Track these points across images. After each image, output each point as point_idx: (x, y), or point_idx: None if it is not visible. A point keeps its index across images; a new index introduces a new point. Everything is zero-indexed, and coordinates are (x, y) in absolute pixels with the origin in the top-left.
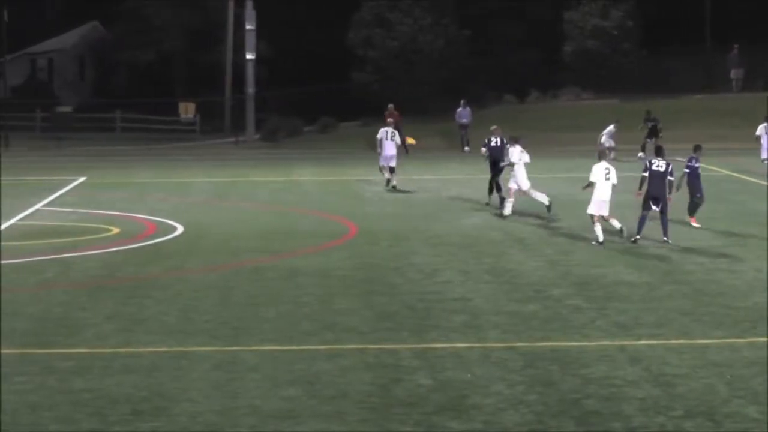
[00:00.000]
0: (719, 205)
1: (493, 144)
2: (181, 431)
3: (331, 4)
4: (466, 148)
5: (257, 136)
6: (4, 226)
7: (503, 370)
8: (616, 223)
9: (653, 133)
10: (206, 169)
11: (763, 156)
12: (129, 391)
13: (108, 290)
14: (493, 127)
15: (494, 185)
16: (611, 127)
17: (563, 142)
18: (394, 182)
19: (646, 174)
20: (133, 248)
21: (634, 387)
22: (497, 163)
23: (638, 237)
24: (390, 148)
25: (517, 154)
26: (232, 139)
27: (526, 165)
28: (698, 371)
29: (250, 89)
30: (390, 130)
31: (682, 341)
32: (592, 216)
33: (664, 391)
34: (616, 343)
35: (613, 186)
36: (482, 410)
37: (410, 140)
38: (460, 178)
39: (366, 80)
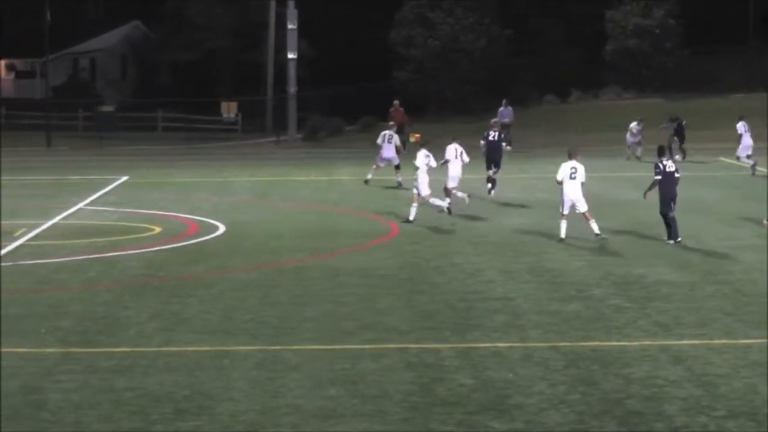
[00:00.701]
0: (761, 204)
1: (490, 138)
2: (222, 430)
3: (373, 4)
4: (508, 147)
5: (299, 136)
6: (47, 225)
7: (545, 370)
8: (594, 227)
9: (678, 133)
10: (248, 168)
11: (740, 153)
12: (171, 390)
13: (150, 289)
14: (494, 120)
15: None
16: (634, 124)
17: (605, 141)
18: (399, 179)
19: (659, 177)
20: (175, 247)
21: (676, 387)
22: (492, 157)
23: (679, 239)
24: (388, 150)
25: (421, 159)
26: (274, 139)
27: (431, 170)
28: (740, 371)
29: (292, 88)
30: (388, 133)
31: (724, 341)
32: (561, 214)
33: (706, 391)
34: (658, 342)
35: (582, 184)
36: (524, 410)
37: (415, 137)
38: (501, 177)
39: (407, 79)
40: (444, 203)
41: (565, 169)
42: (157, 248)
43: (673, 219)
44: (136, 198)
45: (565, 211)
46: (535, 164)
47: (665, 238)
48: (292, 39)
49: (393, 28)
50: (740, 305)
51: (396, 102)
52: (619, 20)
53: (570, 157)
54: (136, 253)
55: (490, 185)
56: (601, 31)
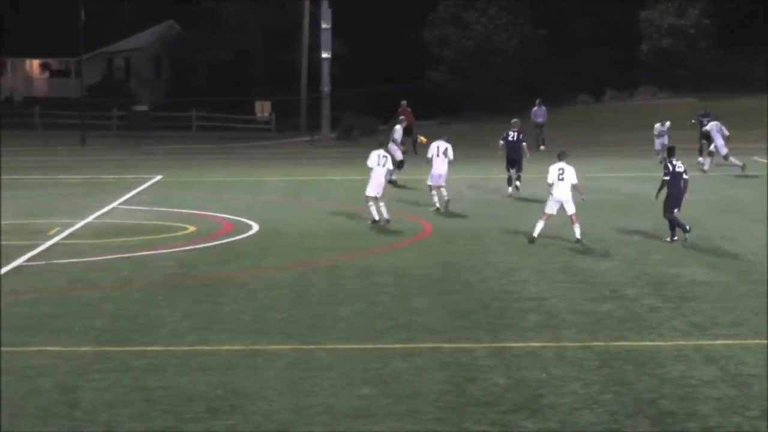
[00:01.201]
0: None
1: (510, 138)
2: (255, 429)
3: (407, 3)
4: (542, 147)
5: (332, 135)
6: (81, 224)
7: (579, 370)
8: (577, 231)
9: (706, 136)
10: (281, 167)
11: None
12: (204, 389)
13: (184, 288)
14: (514, 120)
15: (511, 178)
16: (659, 126)
17: (638, 141)
18: (394, 177)
19: (668, 177)
20: (208, 247)
21: (710, 387)
22: (511, 157)
23: (687, 236)
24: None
25: (374, 159)
26: (308, 138)
27: (389, 171)
28: None
29: (326, 88)
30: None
31: (758, 341)
32: (543, 213)
33: (740, 391)
34: (692, 342)
35: (573, 186)
36: (557, 410)
37: (422, 139)
38: (534, 177)
39: (441, 79)
40: (375, 216)
41: (553, 171)
42: (191, 247)
43: (673, 218)
44: (170, 197)
45: (548, 211)
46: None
47: (667, 239)
48: (326, 38)
49: (427, 27)
50: None
51: (404, 102)
52: (653, 20)
53: (559, 158)
54: (169, 252)
55: (510, 187)
56: (635, 30)
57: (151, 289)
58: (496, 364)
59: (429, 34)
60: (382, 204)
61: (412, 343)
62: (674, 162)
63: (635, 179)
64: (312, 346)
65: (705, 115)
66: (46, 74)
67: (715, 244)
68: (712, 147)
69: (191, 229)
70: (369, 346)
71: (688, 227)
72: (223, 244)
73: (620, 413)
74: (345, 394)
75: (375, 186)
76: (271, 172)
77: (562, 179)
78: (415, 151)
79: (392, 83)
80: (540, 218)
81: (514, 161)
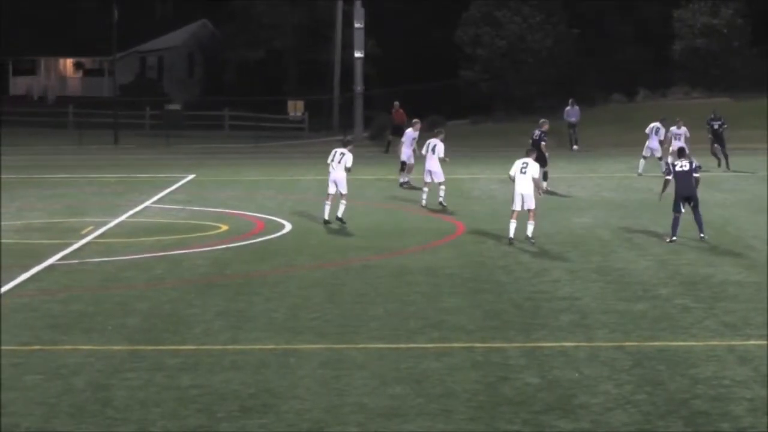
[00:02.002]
0: None
1: (534, 137)
2: (288, 428)
3: (440, 3)
4: (575, 147)
5: (365, 134)
6: (114, 222)
7: (611, 370)
8: (530, 229)
9: (717, 138)
10: (314, 166)
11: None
12: (237, 388)
13: (217, 287)
14: (542, 120)
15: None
16: (674, 128)
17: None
18: (403, 179)
19: (670, 177)
20: (241, 245)
21: (742, 387)
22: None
23: (674, 238)
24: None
25: (330, 157)
26: (341, 137)
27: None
28: None
29: (359, 87)
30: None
31: None
32: (512, 211)
33: None
34: (725, 343)
35: (534, 179)
36: (590, 410)
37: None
38: (568, 176)
39: (474, 78)
40: (325, 215)
41: (516, 164)
42: (224, 246)
43: (675, 219)
44: (203, 196)
45: (515, 207)
46: (602, 163)
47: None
48: (358, 38)
49: (459, 27)
50: None
51: (396, 103)
52: (687, 19)
53: (526, 154)
54: (202, 251)
55: None
56: (669, 30)
57: (184, 288)
58: (528, 363)
59: (462, 34)
60: (342, 202)
61: (444, 343)
62: (676, 162)
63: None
64: (344, 346)
65: (716, 119)
66: (80, 73)
67: (748, 244)
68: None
69: (224, 228)
70: (401, 345)
71: (674, 238)
72: (256, 243)
73: (653, 413)
74: (377, 393)
75: (330, 183)
76: (304, 171)
77: (524, 173)
78: (387, 150)
79: (425, 83)
80: (511, 217)
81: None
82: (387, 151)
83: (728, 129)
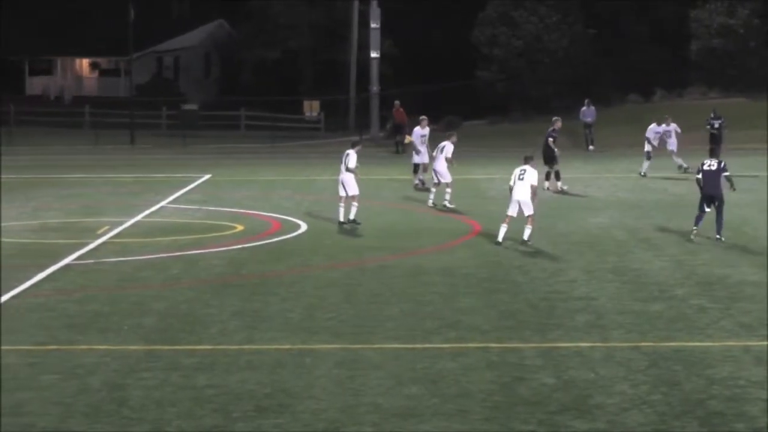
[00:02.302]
0: None
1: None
2: (303, 428)
3: (456, 3)
4: (591, 147)
5: (381, 134)
6: (130, 222)
7: (627, 370)
8: (527, 233)
9: (714, 139)
10: (330, 166)
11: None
12: (252, 388)
13: (233, 287)
14: (555, 118)
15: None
16: (653, 126)
17: (688, 141)
18: (416, 181)
19: (700, 176)
20: (257, 245)
21: (758, 388)
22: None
23: (695, 228)
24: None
25: (343, 158)
26: (357, 138)
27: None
28: None
29: (374, 87)
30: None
31: None
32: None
33: None
34: (741, 343)
35: (532, 186)
36: (606, 410)
37: (409, 138)
38: (584, 177)
39: (491, 79)
40: (340, 216)
41: (515, 172)
42: (240, 246)
43: (698, 217)
44: (219, 196)
45: (510, 212)
46: (618, 164)
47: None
48: (375, 38)
49: (476, 27)
50: None
51: (396, 102)
52: (703, 19)
53: (525, 161)
54: (218, 251)
55: (547, 182)
56: (685, 30)
57: (200, 288)
58: (544, 364)
59: (478, 34)
60: (353, 204)
61: (460, 343)
62: (705, 161)
63: (684, 180)
64: (360, 346)
65: (716, 118)
66: (96, 73)
67: (764, 244)
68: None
69: (240, 228)
70: (417, 345)
71: (695, 228)
72: (271, 243)
73: (668, 414)
74: (393, 393)
75: (339, 185)
76: (320, 171)
77: (522, 179)
78: (397, 150)
79: (441, 83)
80: (503, 221)
81: (546, 157)
82: (398, 152)
83: (727, 129)
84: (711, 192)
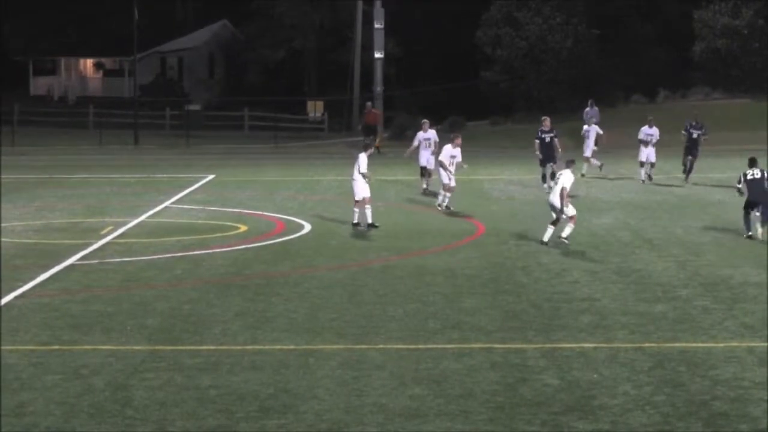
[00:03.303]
0: None
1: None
2: (307, 429)
3: (460, 3)
4: (595, 148)
5: (385, 135)
6: (134, 223)
7: (631, 371)
8: (566, 230)
9: (693, 147)
10: (334, 167)
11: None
12: (256, 388)
13: (237, 288)
14: (543, 117)
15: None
16: (644, 128)
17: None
18: (424, 185)
19: (741, 185)
20: (261, 246)
21: (762, 389)
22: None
23: (750, 233)
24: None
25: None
26: (360, 138)
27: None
28: None
29: (378, 88)
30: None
31: None
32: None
33: None
34: (745, 344)
35: (563, 189)
36: (609, 411)
37: (377, 145)
38: (587, 178)
39: (495, 79)
40: (354, 218)
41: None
42: (243, 247)
43: (746, 220)
44: (223, 196)
45: (553, 216)
46: (622, 165)
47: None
48: (378, 38)
49: (480, 27)
50: None
51: (368, 104)
52: (707, 20)
53: (566, 166)
54: (222, 252)
55: (545, 184)
56: (689, 31)
57: (204, 288)
58: (547, 364)
59: (482, 34)
60: (365, 207)
61: (463, 344)
62: (747, 171)
63: (693, 181)
64: (364, 346)
65: (696, 126)
66: (100, 74)
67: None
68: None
69: (244, 228)
70: (421, 346)
71: (750, 233)
72: (275, 243)
73: (672, 415)
74: (396, 393)
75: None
76: (323, 172)
77: (556, 183)
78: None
79: (445, 83)
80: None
81: (546, 158)
82: (378, 152)
83: (707, 137)
84: (756, 199)
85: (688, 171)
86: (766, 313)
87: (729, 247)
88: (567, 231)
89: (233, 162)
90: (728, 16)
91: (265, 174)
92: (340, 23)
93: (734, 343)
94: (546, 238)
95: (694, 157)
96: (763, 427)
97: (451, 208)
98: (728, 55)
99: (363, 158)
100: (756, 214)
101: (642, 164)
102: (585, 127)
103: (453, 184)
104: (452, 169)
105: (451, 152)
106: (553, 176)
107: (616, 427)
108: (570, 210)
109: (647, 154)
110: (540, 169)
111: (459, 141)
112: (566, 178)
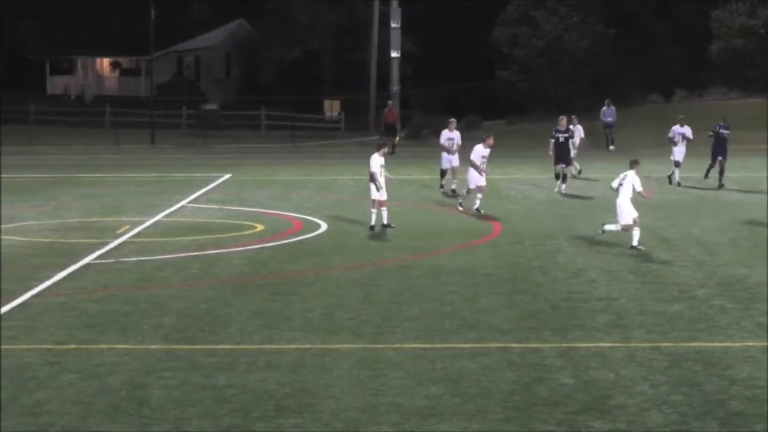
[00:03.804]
0: None
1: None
2: (323, 428)
3: (477, 3)
4: (611, 147)
5: (402, 134)
6: (150, 222)
7: (647, 371)
8: (634, 236)
9: (722, 148)
10: (350, 167)
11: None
12: (272, 388)
13: (253, 287)
14: (560, 117)
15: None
16: (675, 127)
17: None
18: (452, 185)
19: None
20: (277, 245)
21: None
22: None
23: None
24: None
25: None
26: (377, 137)
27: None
28: None
29: (395, 87)
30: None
31: None
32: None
33: None
34: (761, 344)
35: (636, 190)
36: (626, 410)
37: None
38: (605, 176)
39: (511, 78)
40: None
41: (619, 177)
42: (260, 246)
43: None
44: (239, 196)
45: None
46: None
47: None
48: (395, 37)
49: (497, 26)
50: None
51: (390, 102)
52: (724, 20)
53: (630, 166)
54: (238, 251)
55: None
56: (706, 30)
57: (220, 288)
58: (564, 364)
59: (499, 34)
60: (382, 209)
61: (480, 343)
62: None
63: (706, 180)
64: (380, 345)
65: (725, 127)
66: (117, 73)
67: None
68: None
69: (260, 227)
70: (437, 345)
71: None
72: (292, 242)
73: (689, 414)
74: (413, 393)
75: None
76: (340, 171)
77: (623, 184)
78: (392, 152)
79: (462, 82)
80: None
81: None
82: (392, 152)
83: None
84: None
85: (720, 172)
86: None
87: (745, 247)
88: (635, 237)
89: (250, 161)
90: (745, 16)
91: (282, 173)
92: (356, 22)
93: (750, 343)
94: (634, 242)
95: (724, 158)
96: None
97: (482, 212)
98: (745, 55)
99: (373, 158)
100: None
101: (677, 164)
102: (570, 127)
103: (484, 183)
104: (485, 168)
105: (482, 152)
106: (564, 177)
107: (633, 427)
108: (629, 213)
109: (679, 153)
110: (554, 168)
111: (491, 141)
112: (632, 179)
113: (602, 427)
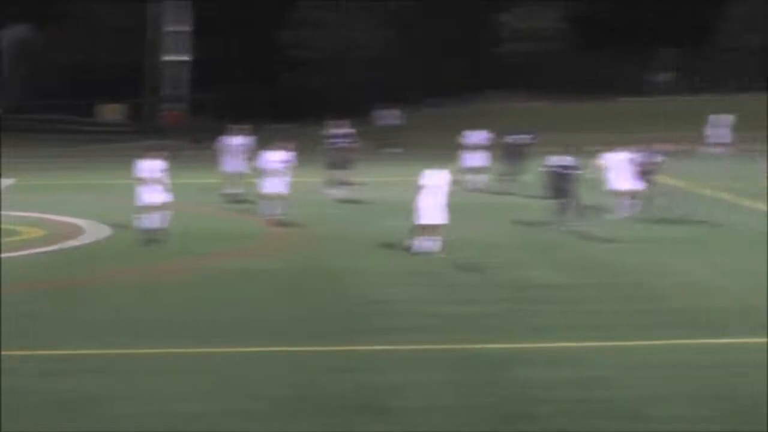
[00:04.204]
0: None
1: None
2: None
3: (266, 4)
4: (389, 150)
5: (189, 138)
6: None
7: (427, 373)
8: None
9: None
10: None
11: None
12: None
13: (36, 293)
14: (335, 122)
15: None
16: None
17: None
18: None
19: None
20: (60, 250)
21: (547, 389)
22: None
23: None
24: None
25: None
26: (157, 141)
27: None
28: None
29: (178, 90)
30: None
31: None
32: None
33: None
34: (538, 345)
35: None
36: (403, 413)
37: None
38: (381, 180)
39: (297, 82)
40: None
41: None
42: (41, 251)
43: None
44: (21, 200)
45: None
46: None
47: None
48: (180, 41)
49: (285, 29)
50: None
51: (167, 106)
52: (510, 23)
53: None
54: (19, 255)
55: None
56: (492, 34)
57: None
58: (345, 366)
59: (287, 36)
60: (163, 212)
61: (256, 347)
62: None
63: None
64: (146, 351)
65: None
66: None
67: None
68: None
69: (43, 233)
70: (214, 349)
71: None
72: (74, 247)
73: (472, 416)
74: (189, 398)
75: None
76: (123, 175)
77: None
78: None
79: (249, 85)
80: None
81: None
82: (174, 156)
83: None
84: None
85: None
86: (555, 313)
87: (526, 249)
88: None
89: (31, 166)
90: (530, 20)
91: (64, 178)
92: (139, 26)
93: (527, 345)
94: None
95: (514, 161)
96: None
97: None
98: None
99: (147, 162)
100: None
101: (471, 170)
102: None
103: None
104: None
105: (284, 157)
106: (343, 183)
107: (409, 428)
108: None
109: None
110: (328, 172)
111: (292, 146)
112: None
113: (379, 427)
